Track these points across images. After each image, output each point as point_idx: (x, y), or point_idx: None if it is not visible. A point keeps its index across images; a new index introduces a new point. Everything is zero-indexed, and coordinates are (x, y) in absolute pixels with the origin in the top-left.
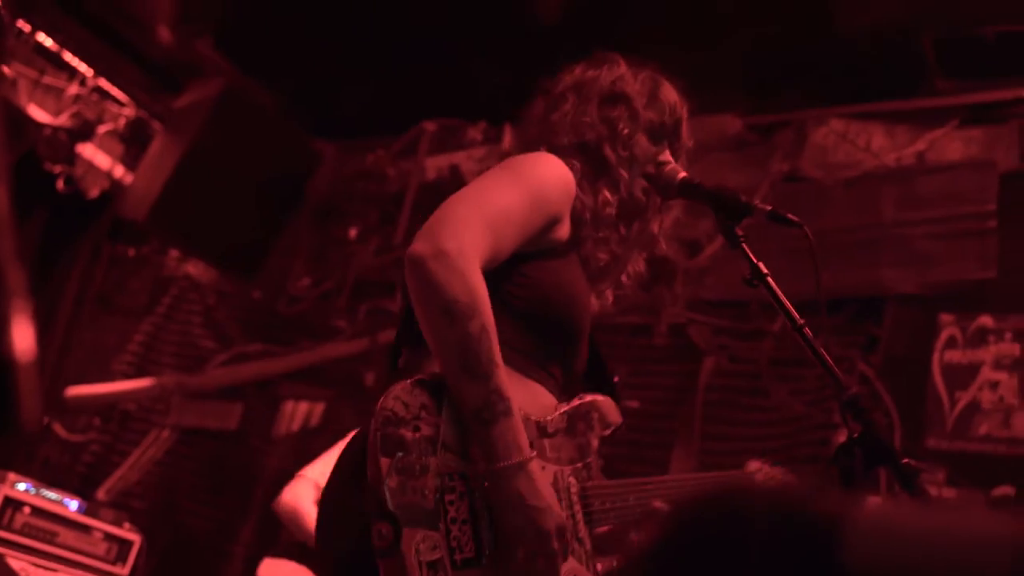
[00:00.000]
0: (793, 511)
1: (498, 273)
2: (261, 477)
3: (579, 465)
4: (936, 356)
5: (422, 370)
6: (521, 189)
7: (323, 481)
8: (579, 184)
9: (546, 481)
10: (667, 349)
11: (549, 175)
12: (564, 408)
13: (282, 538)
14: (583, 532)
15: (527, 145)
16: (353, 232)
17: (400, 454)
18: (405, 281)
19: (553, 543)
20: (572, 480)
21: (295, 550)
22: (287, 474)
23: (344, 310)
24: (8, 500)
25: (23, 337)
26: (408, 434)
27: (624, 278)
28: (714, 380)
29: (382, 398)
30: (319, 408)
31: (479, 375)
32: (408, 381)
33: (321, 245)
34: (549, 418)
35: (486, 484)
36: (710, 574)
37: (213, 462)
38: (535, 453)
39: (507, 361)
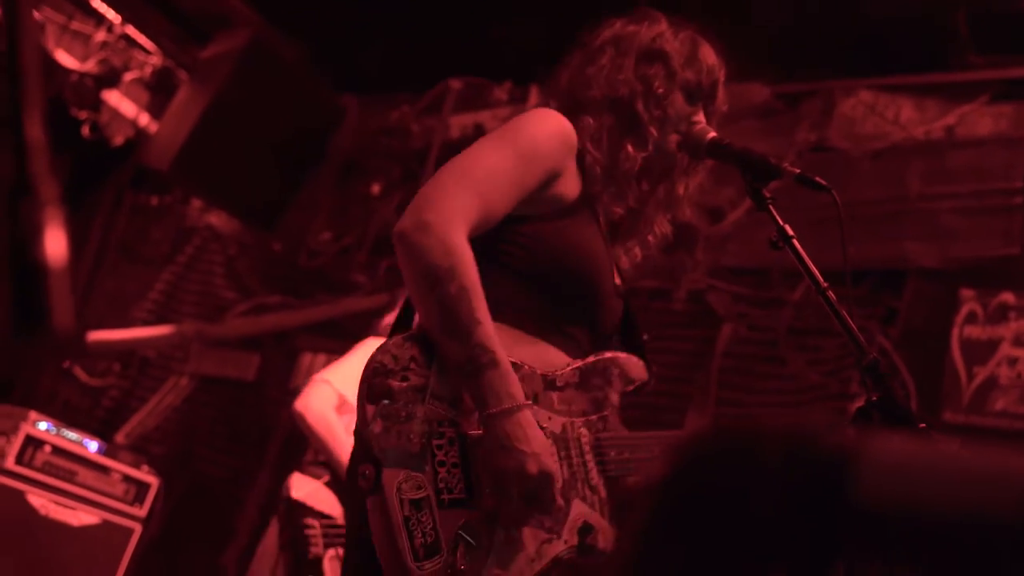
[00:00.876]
0: (802, 447)
1: (502, 237)
2: (277, 428)
3: (593, 417)
4: (955, 331)
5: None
6: (509, 148)
7: (343, 386)
8: (596, 138)
9: (537, 430)
10: (685, 314)
11: (540, 130)
12: (577, 364)
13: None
14: (596, 480)
15: (556, 96)
16: (375, 188)
17: (385, 402)
18: None
19: (544, 492)
20: (584, 431)
21: (319, 468)
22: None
23: (364, 265)
24: (29, 438)
25: (56, 244)
26: (395, 384)
27: (650, 238)
28: (731, 347)
29: (375, 351)
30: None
31: (460, 333)
32: (400, 336)
33: (343, 200)
34: (559, 372)
35: (476, 430)
36: (716, 511)
37: (230, 411)
38: (529, 402)
39: (515, 323)
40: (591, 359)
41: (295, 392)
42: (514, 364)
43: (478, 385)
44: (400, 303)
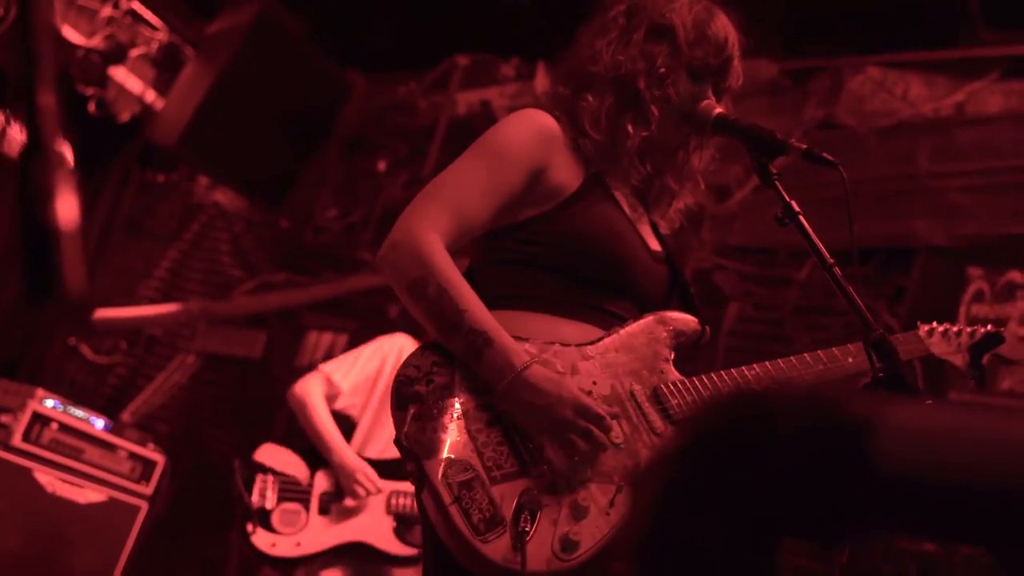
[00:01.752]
0: (822, 413)
1: (521, 240)
2: (283, 405)
3: (644, 373)
4: (963, 309)
5: None
6: (480, 157)
7: (336, 376)
8: (595, 117)
9: (551, 380)
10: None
11: (512, 134)
12: (615, 330)
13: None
14: (662, 427)
15: (564, 70)
16: (382, 164)
17: (414, 406)
18: None
19: (579, 423)
20: (637, 387)
21: (294, 441)
22: None
23: (370, 242)
24: (36, 416)
25: (66, 208)
26: (422, 388)
27: (672, 212)
28: (737, 326)
29: (400, 367)
30: (342, 339)
31: (451, 326)
32: (418, 348)
33: (349, 176)
34: (596, 342)
35: (503, 407)
36: (733, 478)
37: (236, 389)
38: (529, 361)
39: (551, 311)
40: (632, 324)
41: (301, 370)
42: (546, 343)
43: (482, 367)
44: None
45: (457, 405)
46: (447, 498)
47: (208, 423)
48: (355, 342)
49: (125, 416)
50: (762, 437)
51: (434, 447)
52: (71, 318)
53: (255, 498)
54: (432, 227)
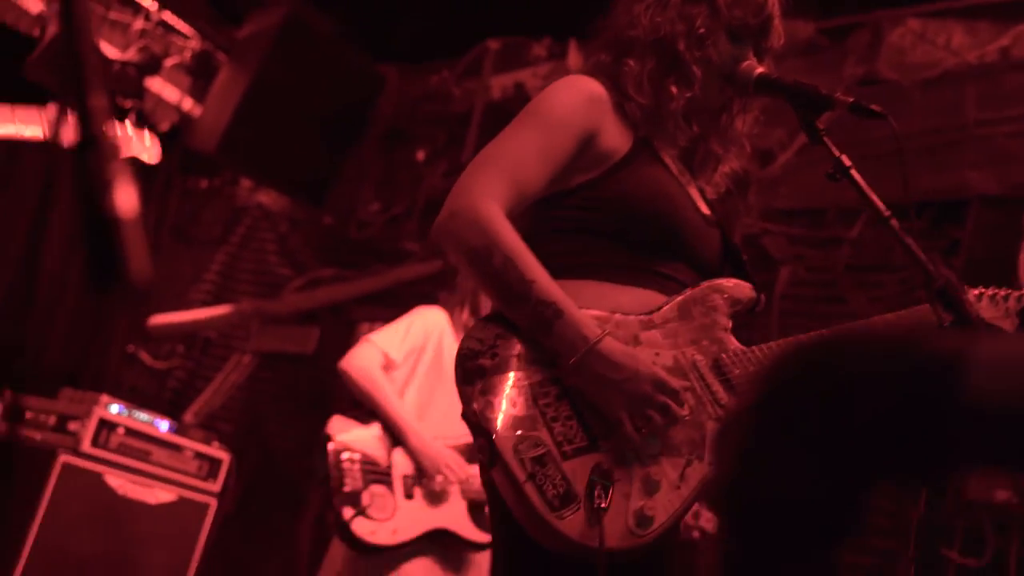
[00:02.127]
0: (909, 350)
1: (572, 206)
2: (339, 399)
3: (704, 343)
4: (1021, 257)
5: None
6: (531, 125)
7: (392, 351)
8: (638, 82)
9: (624, 353)
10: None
11: (561, 100)
12: (674, 299)
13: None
14: (725, 399)
15: (603, 37)
16: (421, 154)
17: (481, 380)
18: None
19: (657, 397)
20: (699, 357)
21: (357, 411)
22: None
23: (415, 233)
24: (103, 421)
25: (126, 196)
26: (487, 362)
27: (718, 177)
28: (790, 289)
29: (462, 339)
30: None
31: (517, 297)
32: (479, 320)
33: (389, 169)
34: (655, 312)
35: (573, 381)
36: (822, 420)
37: (293, 385)
38: (603, 333)
39: (605, 278)
40: (687, 292)
41: None
42: (603, 316)
43: (552, 339)
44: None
45: (524, 378)
46: (521, 474)
47: (268, 420)
48: None
49: (187, 417)
50: (852, 375)
51: (504, 422)
52: (136, 304)
53: (347, 482)
54: (490, 196)
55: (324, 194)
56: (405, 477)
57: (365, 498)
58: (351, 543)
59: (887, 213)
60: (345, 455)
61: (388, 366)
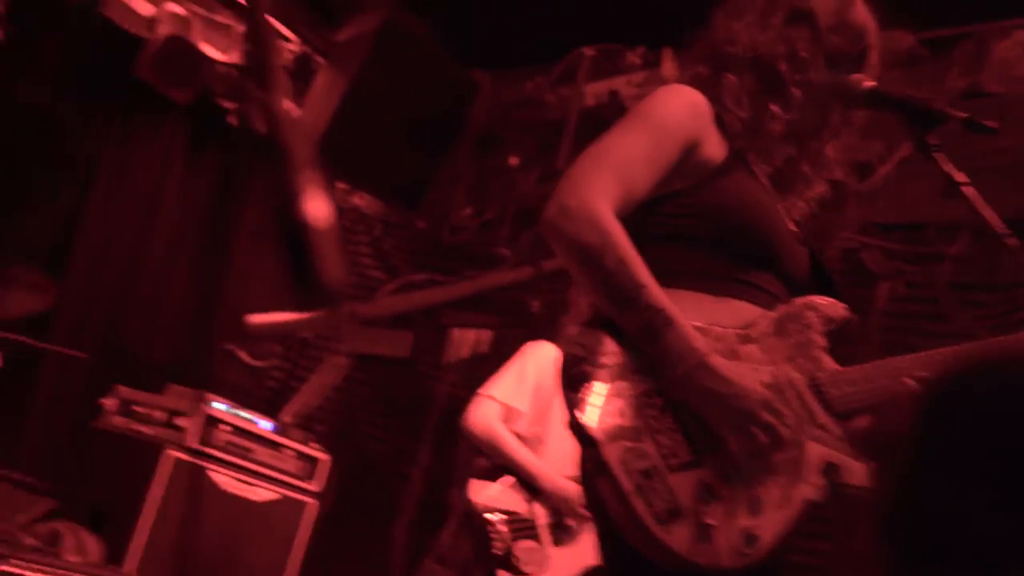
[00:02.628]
0: None
1: (666, 213)
2: (434, 403)
3: (800, 360)
4: None
5: None
6: (640, 129)
7: (504, 396)
8: (738, 97)
9: (732, 368)
10: (838, 274)
11: (669, 108)
12: (771, 314)
13: (475, 463)
14: (823, 419)
15: (699, 50)
16: (513, 160)
17: (585, 388)
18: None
19: (762, 416)
20: (795, 375)
21: (493, 473)
22: (459, 400)
23: (507, 238)
24: (210, 419)
25: (317, 205)
26: (590, 369)
27: (804, 200)
28: (890, 306)
29: (563, 346)
30: (487, 335)
31: (628, 301)
32: (580, 326)
33: (481, 175)
34: (752, 326)
35: (679, 394)
36: (992, 442)
37: (388, 388)
38: (708, 349)
39: (700, 288)
40: (783, 308)
41: (448, 367)
42: (702, 327)
43: (661, 348)
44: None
45: (629, 388)
46: (628, 486)
47: (363, 422)
48: (499, 338)
49: (284, 417)
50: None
51: (610, 432)
52: (330, 306)
53: (496, 544)
54: (602, 195)
55: (418, 198)
56: (549, 525)
57: (516, 555)
58: None
59: (1004, 231)
60: (488, 516)
61: (509, 417)
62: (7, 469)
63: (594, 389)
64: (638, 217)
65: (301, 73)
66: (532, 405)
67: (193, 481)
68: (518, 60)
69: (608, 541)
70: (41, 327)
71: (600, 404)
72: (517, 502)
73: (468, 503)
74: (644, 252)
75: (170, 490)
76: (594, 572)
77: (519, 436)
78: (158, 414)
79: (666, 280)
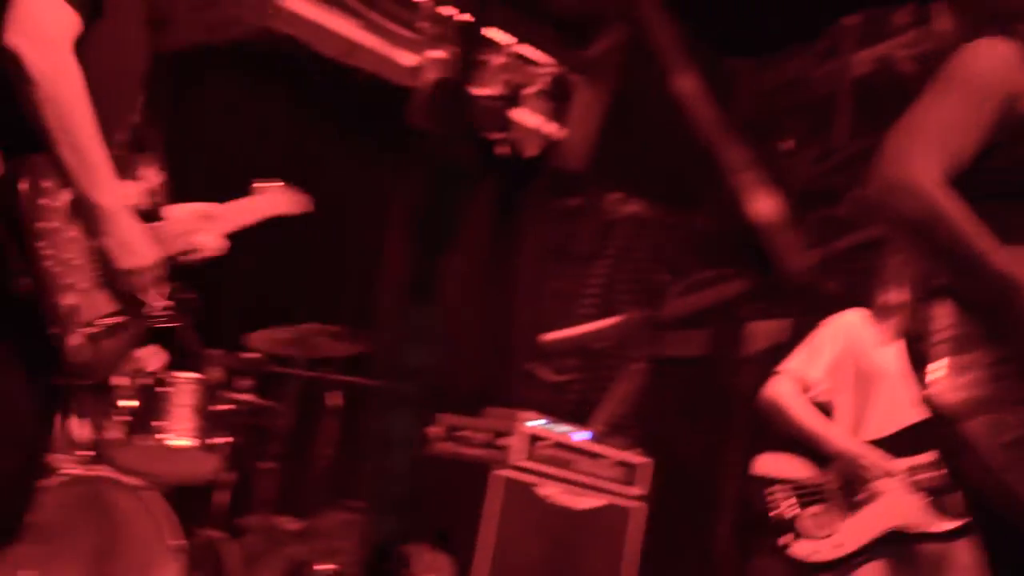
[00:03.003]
0: None
1: (992, 169)
2: (739, 398)
3: None
4: None
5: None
6: (953, 93)
7: (805, 370)
8: None
9: None
10: None
11: (980, 65)
12: None
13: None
14: None
15: (975, 11)
16: (788, 144)
17: (942, 363)
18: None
19: None
20: None
21: (783, 444)
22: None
23: (792, 223)
24: (532, 436)
25: (765, 202)
26: (937, 343)
27: None
28: None
29: (908, 325)
30: (785, 324)
31: (972, 270)
32: (926, 299)
33: (755, 162)
34: None
35: None
36: None
37: (688, 387)
38: None
39: None
40: None
41: (750, 361)
42: None
43: (1013, 315)
44: None
45: (984, 357)
46: (995, 462)
47: (668, 424)
48: (799, 324)
49: (595, 427)
50: None
51: (970, 407)
52: (797, 295)
53: (782, 511)
54: (927, 167)
55: (692, 196)
56: (840, 489)
57: (802, 520)
58: (796, 569)
59: None
60: (773, 488)
61: (805, 388)
62: (351, 500)
63: (943, 363)
64: (965, 177)
65: (558, 93)
66: (830, 371)
67: (522, 497)
68: (778, 41)
69: (981, 519)
70: (361, 370)
71: (952, 378)
72: (807, 468)
73: (747, 478)
74: (978, 211)
75: (503, 507)
76: (891, 536)
77: (818, 405)
78: (481, 436)
79: (1006, 238)
